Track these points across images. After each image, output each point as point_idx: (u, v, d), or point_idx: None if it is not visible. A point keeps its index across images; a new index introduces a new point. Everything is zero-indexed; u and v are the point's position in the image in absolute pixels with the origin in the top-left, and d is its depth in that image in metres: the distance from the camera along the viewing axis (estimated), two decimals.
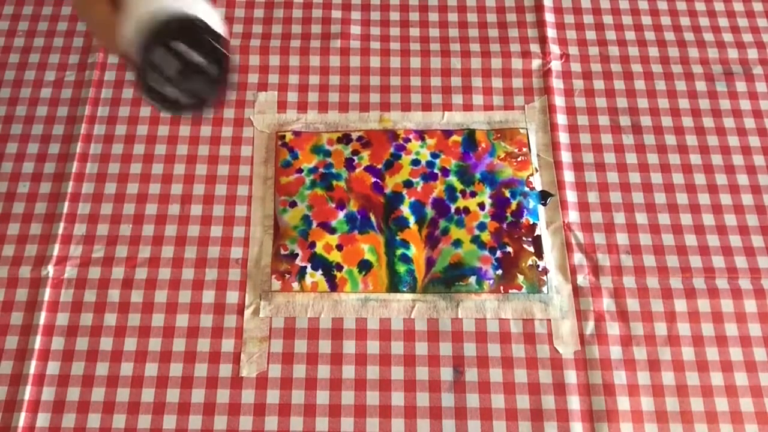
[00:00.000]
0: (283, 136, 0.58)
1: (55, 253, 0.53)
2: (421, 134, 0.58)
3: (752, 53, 0.62)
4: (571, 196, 0.55)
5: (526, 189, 0.55)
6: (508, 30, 0.63)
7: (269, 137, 0.58)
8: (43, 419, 0.48)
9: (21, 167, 0.57)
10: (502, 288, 0.52)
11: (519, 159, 0.56)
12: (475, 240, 0.53)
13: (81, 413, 0.48)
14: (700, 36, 0.63)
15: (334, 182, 0.56)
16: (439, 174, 0.56)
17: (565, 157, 0.57)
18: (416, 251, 0.53)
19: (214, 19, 0.38)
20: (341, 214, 0.54)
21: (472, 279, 0.52)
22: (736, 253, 0.53)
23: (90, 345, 0.50)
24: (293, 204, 0.55)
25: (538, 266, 0.53)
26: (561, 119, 0.58)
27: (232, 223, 0.54)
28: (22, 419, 0.47)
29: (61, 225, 0.54)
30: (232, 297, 0.52)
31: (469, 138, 0.57)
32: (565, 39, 0.62)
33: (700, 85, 0.60)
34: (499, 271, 0.52)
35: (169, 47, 0.37)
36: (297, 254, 0.53)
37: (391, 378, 0.49)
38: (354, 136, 0.58)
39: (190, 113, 0.41)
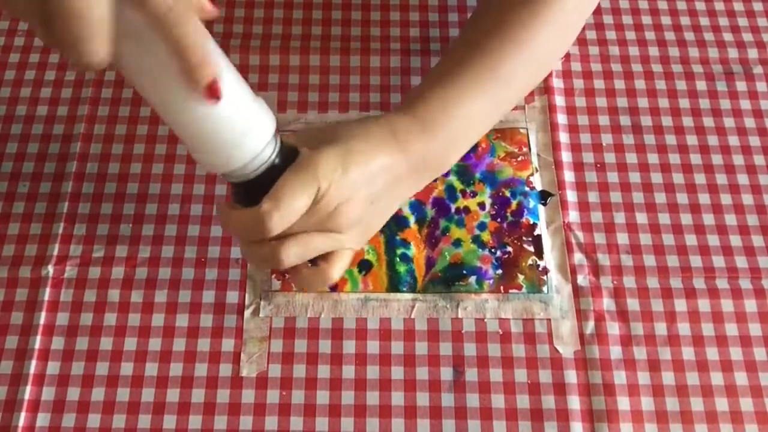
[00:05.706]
0: None
1: (55, 253, 0.53)
2: None
3: (752, 53, 0.62)
4: (571, 196, 0.55)
5: (527, 189, 0.55)
6: None
7: None
8: (43, 419, 0.48)
9: (21, 167, 0.57)
10: (502, 288, 0.52)
11: (519, 159, 0.56)
12: (476, 240, 0.53)
13: (81, 413, 0.48)
14: (700, 36, 0.63)
15: None
16: None
17: (566, 156, 0.57)
18: (416, 251, 0.53)
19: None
20: None
21: (472, 279, 0.52)
22: (736, 253, 0.53)
23: (90, 345, 0.50)
24: None
25: (538, 266, 0.53)
26: (561, 119, 0.58)
27: None
28: (22, 419, 0.47)
29: (61, 225, 0.54)
30: (232, 297, 0.52)
31: None
32: None
33: (701, 85, 0.60)
34: (499, 271, 0.52)
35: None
36: None
37: (391, 378, 0.49)
38: None
39: None
